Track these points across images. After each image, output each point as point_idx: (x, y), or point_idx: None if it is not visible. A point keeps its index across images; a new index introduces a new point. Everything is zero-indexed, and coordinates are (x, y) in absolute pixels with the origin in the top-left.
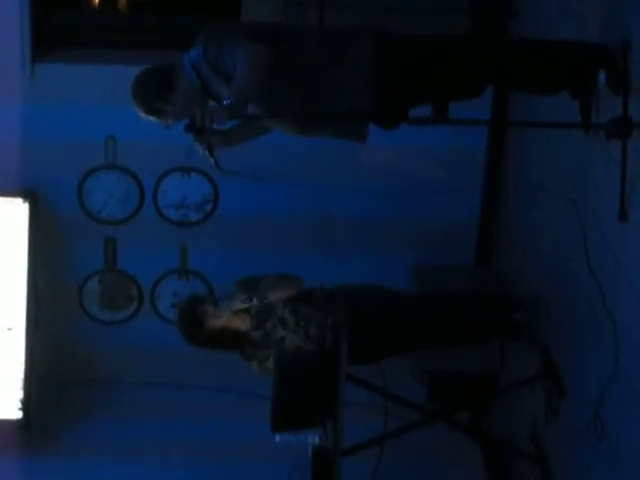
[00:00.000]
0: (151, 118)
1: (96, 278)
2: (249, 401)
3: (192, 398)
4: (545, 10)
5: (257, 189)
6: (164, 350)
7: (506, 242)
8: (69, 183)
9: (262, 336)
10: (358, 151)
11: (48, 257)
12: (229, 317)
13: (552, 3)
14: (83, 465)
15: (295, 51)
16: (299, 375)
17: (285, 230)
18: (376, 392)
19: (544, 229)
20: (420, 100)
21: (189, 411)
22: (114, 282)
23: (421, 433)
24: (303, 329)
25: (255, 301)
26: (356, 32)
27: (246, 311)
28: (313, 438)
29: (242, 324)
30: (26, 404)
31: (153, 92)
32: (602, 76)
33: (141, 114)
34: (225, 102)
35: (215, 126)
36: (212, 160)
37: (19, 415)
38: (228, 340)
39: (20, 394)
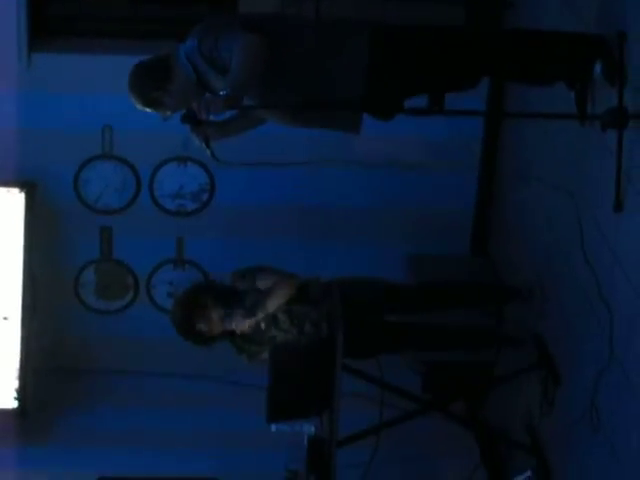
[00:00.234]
0: (149, 110)
1: (92, 267)
2: (245, 391)
3: (188, 387)
4: (541, 1)
5: (253, 179)
6: (160, 339)
7: (502, 232)
8: (65, 173)
9: (254, 332)
10: (354, 141)
11: (44, 247)
12: (231, 329)
13: None
14: (79, 455)
15: (291, 42)
16: (295, 365)
17: (281, 220)
18: (372, 382)
19: (540, 219)
20: (416, 91)
21: (185, 401)
22: (110, 271)
23: (417, 423)
24: (297, 327)
25: (256, 313)
26: (352, 23)
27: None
28: (309, 428)
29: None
30: (22, 394)
31: (150, 83)
32: (598, 67)
33: (139, 106)
34: (221, 93)
35: (211, 117)
36: (209, 152)
37: (15, 405)
38: (220, 336)
39: (16, 384)
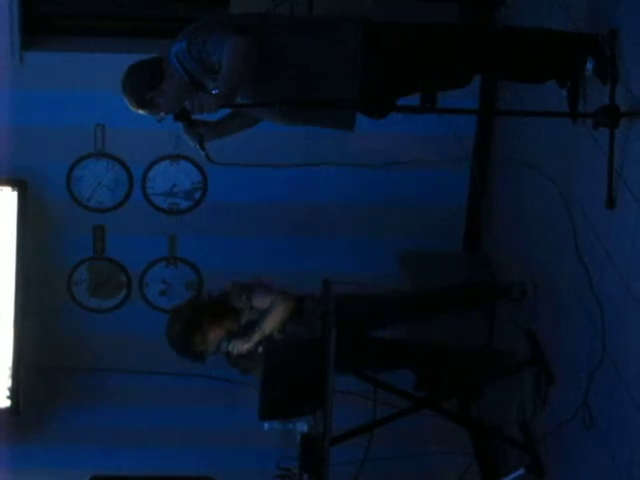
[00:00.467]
0: (143, 112)
1: (85, 266)
2: (238, 389)
3: (181, 385)
4: None
5: (246, 177)
6: (153, 337)
7: (494, 228)
8: (58, 171)
9: (247, 350)
10: (347, 138)
11: (37, 245)
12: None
13: None
14: (72, 453)
15: (283, 40)
16: (288, 363)
17: (274, 218)
18: (365, 380)
19: (532, 216)
20: (408, 90)
21: (178, 398)
22: (103, 270)
23: (410, 421)
24: None
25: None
26: (344, 21)
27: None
28: (302, 426)
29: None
30: (14, 392)
31: (144, 83)
32: (590, 65)
33: (133, 108)
34: (213, 92)
35: (205, 116)
36: (203, 153)
37: (7, 403)
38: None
39: (8, 382)
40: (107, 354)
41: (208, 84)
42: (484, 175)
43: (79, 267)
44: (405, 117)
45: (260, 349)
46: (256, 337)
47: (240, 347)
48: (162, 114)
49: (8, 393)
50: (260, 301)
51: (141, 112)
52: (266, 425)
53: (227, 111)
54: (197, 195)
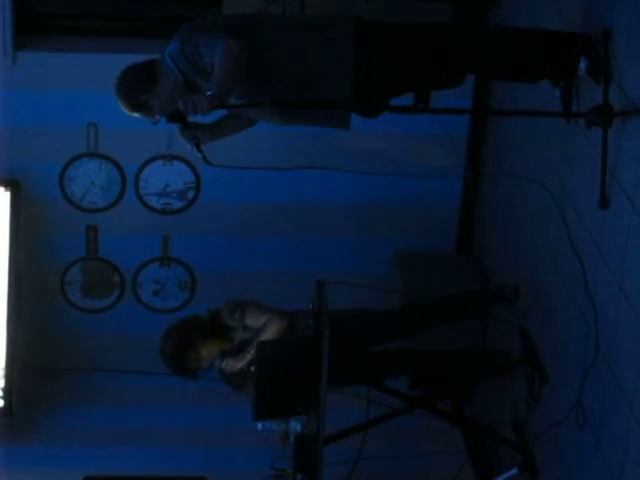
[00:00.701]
0: (137, 115)
1: (78, 266)
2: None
3: (174, 385)
4: None
5: (239, 177)
6: (146, 338)
7: (488, 229)
8: (51, 171)
9: (240, 369)
10: (340, 137)
11: (30, 245)
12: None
13: None
14: (65, 454)
15: (275, 41)
16: (281, 363)
17: (267, 217)
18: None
19: (525, 216)
20: (401, 89)
21: (171, 398)
22: (96, 270)
23: (404, 420)
24: None
25: (241, 331)
26: (337, 21)
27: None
28: (295, 426)
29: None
30: (8, 392)
31: (138, 86)
32: (583, 64)
33: (127, 111)
34: (208, 93)
35: (199, 117)
36: (200, 155)
37: (1, 404)
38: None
39: (1, 382)
40: (100, 354)
41: (202, 85)
42: (477, 175)
43: (72, 267)
44: (398, 117)
45: (253, 367)
46: (249, 356)
47: (233, 365)
48: (157, 117)
49: (1, 393)
50: (253, 320)
51: (135, 115)
52: (260, 425)
53: (223, 113)
54: (190, 195)
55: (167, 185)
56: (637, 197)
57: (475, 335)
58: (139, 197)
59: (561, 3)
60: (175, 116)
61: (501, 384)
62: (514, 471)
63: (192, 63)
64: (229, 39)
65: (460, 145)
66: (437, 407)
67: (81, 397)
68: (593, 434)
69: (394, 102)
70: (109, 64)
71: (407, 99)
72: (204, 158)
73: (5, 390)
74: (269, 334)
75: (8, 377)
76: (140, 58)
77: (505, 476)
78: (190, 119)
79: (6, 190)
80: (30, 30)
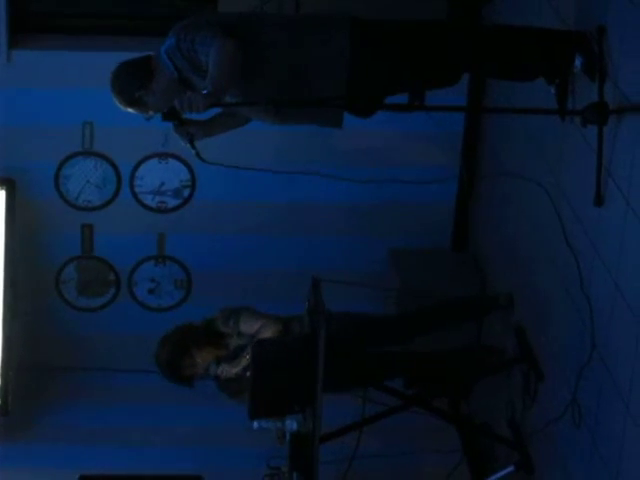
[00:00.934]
0: (132, 110)
1: (73, 265)
2: None
3: (169, 384)
4: None
5: (234, 175)
6: (142, 336)
7: (483, 226)
8: (46, 169)
9: (236, 374)
10: (336, 135)
11: (25, 244)
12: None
13: None
14: (61, 453)
15: (270, 39)
16: (277, 361)
17: (262, 216)
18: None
19: (521, 213)
20: (396, 88)
21: (167, 397)
22: (91, 268)
23: (399, 419)
24: None
25: (235, 337)
26: (331, 20)
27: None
28: (291, 424)
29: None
30: (4, 391)
31: (133, 82)
32: (578, 62)
33: (122, 106)
34: (204, 92)
35: (194, 115)
36: (194, 152)
37: None
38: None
39: None
40: (96, 353)
41: (197, 82)
42: (473, 173)
43: (67, 266)
44: (394, 115)
45: (248, 373)
46: (244, 361)
47: (229, 371)
48: (151, 113)
49: None
50: (247, 326)
51: (130, 110)
52: (255, 424)
53: (217, 110)
54: (185, 193)
55: (162, 183)
56: (632, 194)
57: (470, 333)
58: (134, 195)
59: (555, 1)
60: (170, 114)
61: (497, 382)
62: (510, 469)
63: (188, 60)
64: (224, 38)
65: (455, 143)
66: (433, 405)
67: (77, 396)
68: (589, 431)
69: (389, 100)
70: (104, 62)
71: (402, 97)
72: (197, 154)
73: (1, 389)
74: (265, 335)
75: (4, 376)
76: (135, 56)
77: (501, 474)
78: (185, 116)
79: (1, 189)
80: (25, 28)
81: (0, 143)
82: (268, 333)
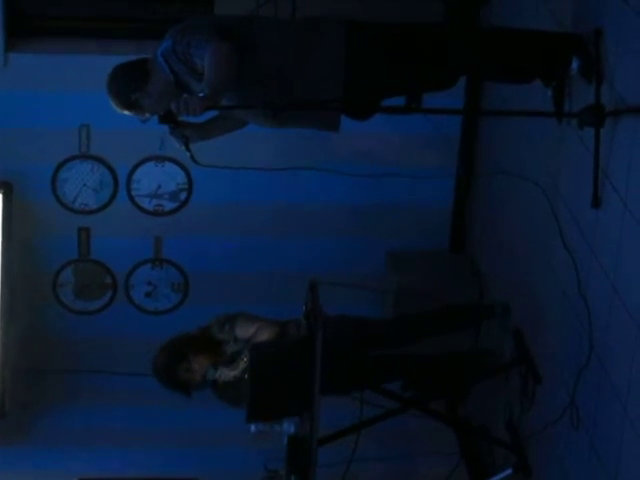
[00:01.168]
0: (128, 113)
1: (70, 268)
2: None
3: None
4: None
5: (231, 177)
6: (139, 339)
7: (480, 228)
8: (43, 172)
9: (234, 377)
10: (333, 137)
11: (22, 247)
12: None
13: None
14: (59, 455)
15: (266, 42)
16: (274, 364)
17: (259, 218)
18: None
19: (518, 215)
20: (393, 91)
21: (164, 400)
22: (88, 272)
23: (397, 421)
24: None
25: (238, 364)
26: (327, 22)
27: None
28: (289, 427)
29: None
30: (0, 394)
31: (129, 84)
32: (575, 64)
33: (118, 109)
34: (200, 95)
35: (191, 118)
36: (189, 154)
37: None
38: (202, 385)
39: None
40: (93, 356)
41: (193, 85)
42: (470, 175)
43: (64, 269)
44: (391, 117)
45: (246, 376)
46: (242, 364)
47: (227, 374)
48: (147, 115)
49: None
50: (243, 330)
51: (127, 113)
52: (252, 427)
53: (214, 113)
54: (182, 196)
55: (159, 186)
56: (629, 196)
57: (468, 336)
58: (131, 199)
59: (552, 4)
60: (166, 117)
61: (495, 384)
62: (508, 471)
63: (184, 63)
64: (220, 41)
65: (453, 145)
66: (430, 408)
67: (74, 399)
68: (587, 434)
69: (387, 102)
70: (101, 65)
71: (399, 99)
72: (192, 157)
73: None
74: (261, 338)
75: (0, 379)
76: (132, 59)
77: (499, 476)
78: (181, 118)
79: None
80: (21, 31)
81: None
82: (264, 336)
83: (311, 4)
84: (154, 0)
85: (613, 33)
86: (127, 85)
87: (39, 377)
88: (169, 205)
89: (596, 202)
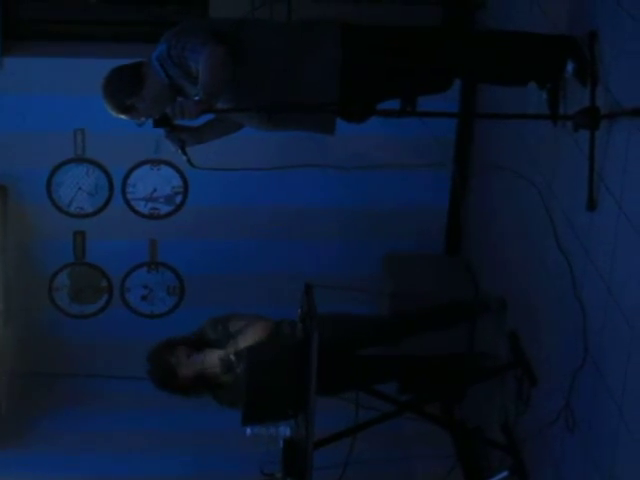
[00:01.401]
0: (123, 117)
1: (66, 271)
2: None
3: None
4: (513, 1)
5: (227, 180)
6: (134, 342)
7: (476, 231)
8: (38, 176)
9: (232, 380)
10: (328, 140)
11: (17, 251)
12: (202, 367)
13: None
14: (54, 458)
15: (262, 45)
16: (270, 367)
17: (255, 221)
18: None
19: (513, 218)
20: (388, 94)
21: (160, 403)
22: (84, 275)
23: (393, 424)
24: None
25: (227, 349)
26: (322, 25)
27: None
28: (284, 430)
29: (214, 370)
30: None
31: (124, 89)
32: (570, 67)
33: (113, 113)
34: (196, 98)
35: (187, 121)
36: (185, 157)
37: None
38: (200, 387)
39: None
40: (88, 359)
41: (189, 89)
42: (465, 178)
43: (60, 273)
44: (386, 120)
45: (240, 369)
46: (230, 348)
47: (212, 356)
48: (142, 119)
49: None
50: (236, 324)
51: (122, 117)
52: (248, 431)
53: (209, 116)
54: (178, 199)
55: (154, 190)
56: (624, 199)
57: (463, 338)
58: (126, 202)
59: (547, 6)
60: (162, 120)
61: (490, 387)
62: (504, 474)
63: (179, 66)
64: (215, 45)
65: (448, 147)
66: (426, 411)
67: (70, 402)
68: (582, 436)
69: (382, 105)
70: (96, 69)
71: (395, 102)
72: (188, 161)
73: None
74: (253, 331)
75: None
76: (127, 62)
77: (495, 479)
78: (176, 122)
79: None
80: (16, 35)
81: None
82: (259, 325)
83: (306, 7)
84: (149, 3)
85: (608, 36)
86: (122, 89)
87: (35, 381)
88: (164, 208)
89: (591, 205)
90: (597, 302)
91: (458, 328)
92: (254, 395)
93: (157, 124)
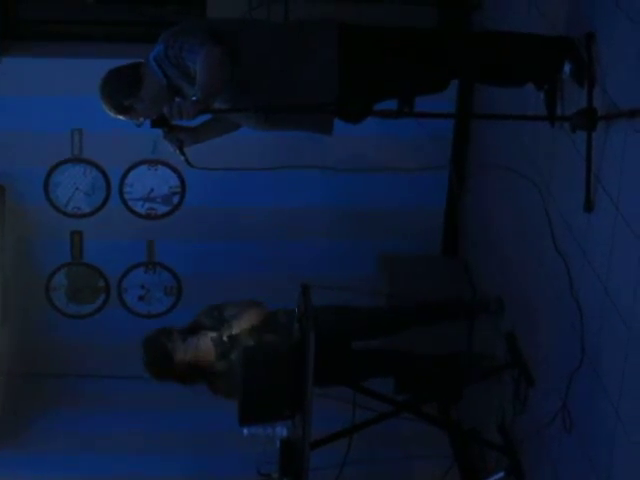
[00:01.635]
0: (121, 117)
1: (63, 271)
2: None
3: (160, 390)
4: (510, 2)
5: (224, 181)
6: (132, 342)
7: (473, 231)
8: (35, 176)
9: (227, 367)
10: (326, 140)
11: (14, 251)
12: (196, 351)
13: None
14: (50, 459)
15: (259, 45)
16: (267, 367)
17: (252, 221)
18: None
19: (510, 219)
20: (385, 95)
21: (157, 403)
22: (81, 275)
23: (390, 425)
24: None
25: (221, 331)
26: (319, 25)
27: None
28: (281, 430)
29: (208, 356)
30: None
31: (122, 89)
32: (567, 68)
33: (111, 114)
34: (193, 98)
35: (184, 122)
36: (183, 157)
37: None
38: (195, 375)
39: None
40: (86, 360)
41: (186, 89)
42: (462, 179)
43: (57, 273)
44: (383, 121)
45: (235, 356)
46: (224, 330)
47: (205, 337)
48: (141, 119)
49: None
50: (232, 310)
51: (120, 117)
52: (245, 431)
53: (207, 116)
54: (175, 199)
55: (152, 190)
56: (622, 200)
57: (461, 338)
58: (124, 202)
59: (544, 7)
60: (159, 121)
61: (487, 387)
62: (501, 474)
63: (176, 67)
64: (212, 45)
65: (445, 147)
66: (423, 411)
67: (67, 402)
68: (579, 437)
69: (379, 106)
70: (93, 69)
71: (392, 103)
72: (186, 161)
73: None
74: (248, 315)
75: None
76: (125, 63)
77: (492, 479)
78: (174, 122)
79: None
80: (15, 35)
81: None
82: (253, 310)
83: (304, 7)
84: (147, 3)
85: (605, 37)
86: (120, 90)
87: (32, 381)
88: (162, 208)
89: (588, 206)
90: (594, 303)
91: (456, 327)
92: (251, 395)
93: (155, 124)
